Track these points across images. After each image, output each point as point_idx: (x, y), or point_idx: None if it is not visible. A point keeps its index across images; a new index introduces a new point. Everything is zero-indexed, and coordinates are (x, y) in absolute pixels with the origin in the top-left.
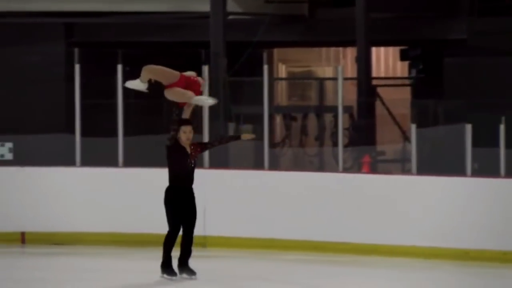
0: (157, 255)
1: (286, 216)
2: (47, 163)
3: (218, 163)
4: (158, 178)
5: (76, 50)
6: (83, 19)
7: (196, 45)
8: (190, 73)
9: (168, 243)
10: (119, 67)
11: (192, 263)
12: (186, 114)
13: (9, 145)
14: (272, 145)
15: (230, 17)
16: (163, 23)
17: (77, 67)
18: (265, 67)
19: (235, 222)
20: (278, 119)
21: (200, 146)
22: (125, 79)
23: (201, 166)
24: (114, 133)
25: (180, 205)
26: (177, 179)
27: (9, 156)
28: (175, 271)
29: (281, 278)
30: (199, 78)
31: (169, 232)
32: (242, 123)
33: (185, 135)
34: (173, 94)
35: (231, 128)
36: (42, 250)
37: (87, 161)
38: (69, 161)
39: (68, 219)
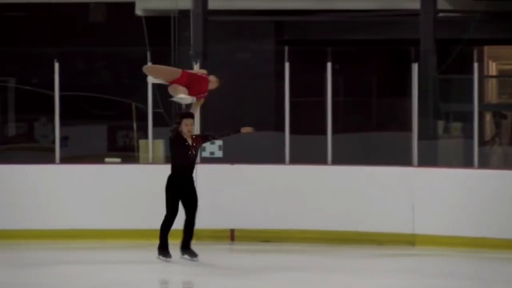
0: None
1: (497, 215)
2: (256, 160)
3: (428, 162)
4: (365, 175)
5: (286, 48)
6: (293, 17)
7: (406, 43)
8: (202, 71)
9: (164, 227)
10: (329, 65)
11: (399, 261)
12: (193, 109)
13: (219, 142)
14: (482, 143)
15: (440, 14)
16: (373, 21)
17: (286, 65)
18: (475, 65)
19: (444, 220)
20: (488, 117)
21: (202, 138)
22: (334, 77)
23: (410, 164)
24: (323, 131)
25: (180, 193)
26: (178, 168)
27: (219, 153)
28: (170, 254)
29: (491, 277)
30: (210, 76)
31: (166, 216)
32: (451, 121)
33: (187, 127)
34: (170, 90)
35: (441, 126)
36: (251, 247)
37: (296, 159)
38: (278, 159)
39: (277, 216)
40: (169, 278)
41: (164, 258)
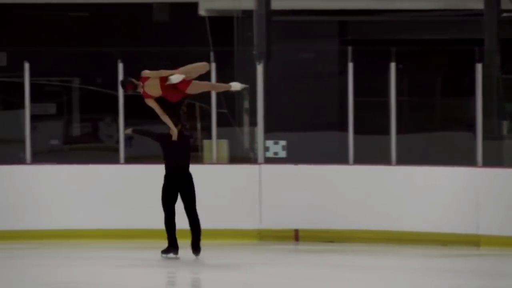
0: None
1: None
2: (320, 160)
3: (492, 162)
4: (429, 176)
5: (349, 48)
6: (356, 17)
7: (470, 43)
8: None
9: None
10: (392, 65)
11: (464, 261)
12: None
13: (282, 142)
14: None
15: (504, 14)
16: (436, 21)
17: (350, 65)
18: None
19: (509, 221)
20: None
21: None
22: (398, 77)
23: (474, 165)
24: (387, 131)
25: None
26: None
27: (282, 154)
28: (173, 254)
29: None
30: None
31: None
32: None
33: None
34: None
35: (505, 126)
36: (315, 247)
37: (360, 159)
38: (342, 159)
39: (342, 216)
40: (233, 278)
41: (165, 255)
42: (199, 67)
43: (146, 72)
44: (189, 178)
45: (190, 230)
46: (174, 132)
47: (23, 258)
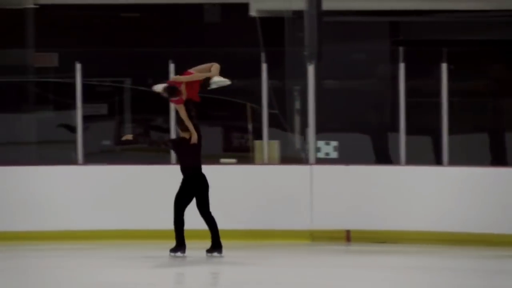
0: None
1: None
2: (371, 161)
3: None
4: (481, 176)
5: (400, 49)
6: (408, 18)
7: None
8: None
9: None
10: (444, 66)
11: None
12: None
13: (334, 143)
14: None
15: None
16: (488, 21)
17: (401, 66)
18: None
19: None
20: None
21: None
22: (450, 77)
23: None
24: (439, 132)
25: None
26: None
27: (334, 154)
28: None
29: None
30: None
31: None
32: None
33: None
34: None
35: None
36: (366, 248)
37: (411, 160)
38: (393, 159)
39: (393, 217)
40: (284, 279)
41: (173, 254)
42: (208, 66)
43: (180, 78)
44: (205, 179)
45: (210, 230)
46: (195, 135)
47: (75, 258)
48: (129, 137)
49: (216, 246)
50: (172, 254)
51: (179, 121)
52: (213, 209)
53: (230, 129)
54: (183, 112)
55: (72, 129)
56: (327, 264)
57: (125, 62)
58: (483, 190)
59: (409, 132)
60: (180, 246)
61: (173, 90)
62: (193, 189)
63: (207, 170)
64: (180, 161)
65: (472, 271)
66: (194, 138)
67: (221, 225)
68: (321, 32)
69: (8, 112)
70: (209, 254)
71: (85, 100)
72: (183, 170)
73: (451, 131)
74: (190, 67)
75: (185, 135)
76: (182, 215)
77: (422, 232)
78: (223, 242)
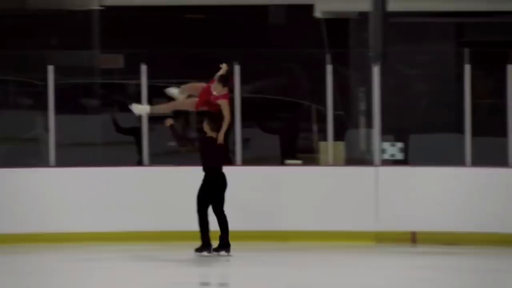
0: None
1: None
2: (436, 163)
3: None
4: None
5: (466, 50)
6: (473, 19)
7: None
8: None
9: None
10: (510, 67)
11: None
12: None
13: (399, 144)
14: None
15: None
16: None
17: (467, 67)
18: None
19: None
20: None
21: None
22: None
23: None
24: (504, 133)
25: None
26: None
27: (399, 156)
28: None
29: None
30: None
31: None
32: None
33: None
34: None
35: None
36: (432, 250)
37: (478, 161)
38: (458, 161)
39: (459, 219)
40: (350, 280)
41: (199, 253)
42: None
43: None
44: (226, 178)
45: (220, 229)
46: (221, 136)
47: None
48: (170, 121)
49: (224, 245)
50: (198, 253)
51: (212, 119)
52: (278, 210)
53: (295, 130)
54: (226, 108)
55: (120, 128)
56: (392, 265)
57: (190, 63)
58: None
59: (474, 133)
60: (206, 246)
61: (226, 78)
62: (216, 189)
63: (271, 171)
64: (205, 160)
65: None
66: (221, 139)
67: (286, 226)
68: (386, 33)
69: (74, 114)
70: (215, 253)
71: (150, 101)
72: (207, 170)
73: None
74: (255, 68)
75: (212, 134)
76: (206, 214)
77: (489, 234)
78: (290, 243)
